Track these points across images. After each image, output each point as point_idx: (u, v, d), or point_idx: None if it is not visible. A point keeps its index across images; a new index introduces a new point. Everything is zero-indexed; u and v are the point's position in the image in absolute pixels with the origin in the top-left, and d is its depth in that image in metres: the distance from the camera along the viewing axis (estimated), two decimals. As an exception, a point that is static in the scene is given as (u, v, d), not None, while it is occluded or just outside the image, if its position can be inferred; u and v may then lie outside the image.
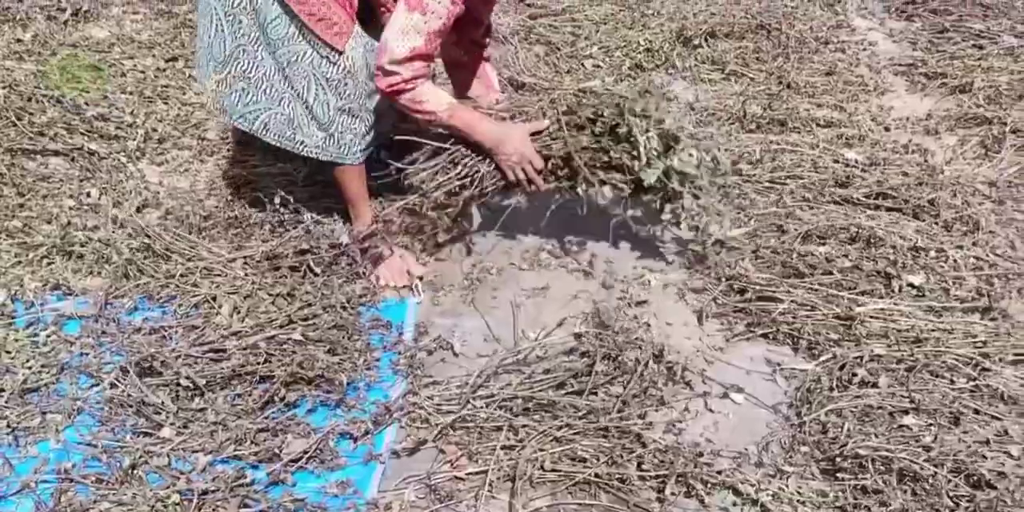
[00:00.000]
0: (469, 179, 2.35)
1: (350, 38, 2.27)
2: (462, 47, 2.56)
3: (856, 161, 2.90)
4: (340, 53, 2.26)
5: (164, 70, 3.52)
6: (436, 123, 2.26)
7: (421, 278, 2.49)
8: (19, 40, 3.69)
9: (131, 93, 3.31)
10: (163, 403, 2.00)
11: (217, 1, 2.25)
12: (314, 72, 2.27)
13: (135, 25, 3.93)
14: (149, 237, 2.45)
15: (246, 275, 2.35)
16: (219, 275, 2.36)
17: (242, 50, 2.29)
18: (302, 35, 2.23)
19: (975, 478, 1.80)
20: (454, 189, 2.37)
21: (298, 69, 2.27)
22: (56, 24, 3.85)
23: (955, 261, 2.43)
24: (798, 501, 1.80)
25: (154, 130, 3.09)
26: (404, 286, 2.45)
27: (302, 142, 2.37)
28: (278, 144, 2.38)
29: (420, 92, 2.19)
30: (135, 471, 1.86)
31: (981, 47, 3.74)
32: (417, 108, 2.21)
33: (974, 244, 2.53)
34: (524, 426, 1.96)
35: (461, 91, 2.65)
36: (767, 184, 2.79)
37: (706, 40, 3.72)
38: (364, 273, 2.43)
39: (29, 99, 3.13)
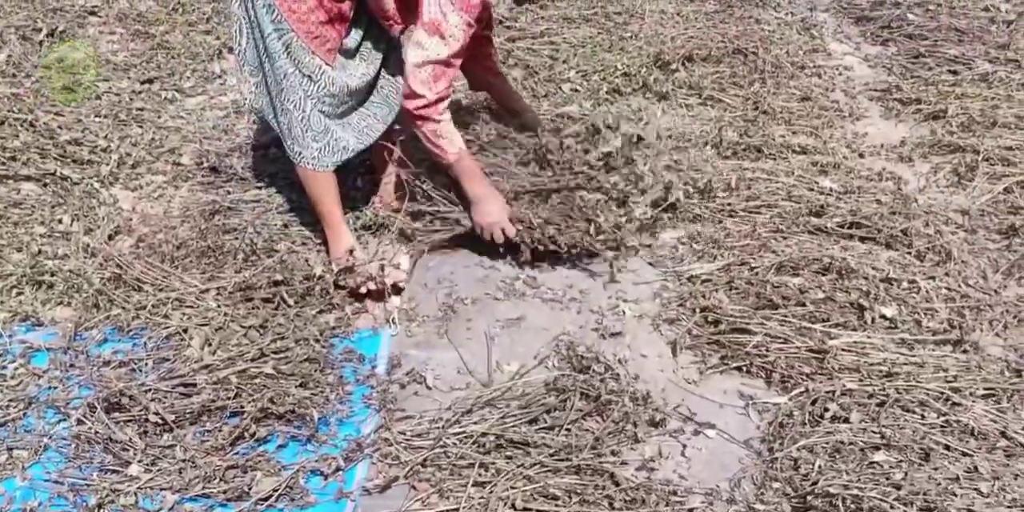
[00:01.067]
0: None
1: (336, 56, 2.37)
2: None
3: (830, 189, 2.92)
4: (322, 71, 2.34)
5: (140, 92, 3.50)
6: (441, 161, 2.44)
7: (399, 291, 2.49)
8: (-7, 62, 3.65)
9: (105, 116, 3.28)
10: (131, 439, 1.97)
11: (240, 11, 2.34)
12: (300, 89, 2.35)
13: (110, 45, 3.90)
14: (120, 266, 2.43)
15: (218, 306, 2.33)
16: (191, 306, 2.34)
17: (253, 54, 2.41)
18: (288, 53, 2.30)
19: (945, 517, 1.81)
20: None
21: (286, 84, 2.34)
22: (31, 45, 3.82)
23: (927, 292, 2.44)
24: (769, 540, 1.80)
25: (128, 154, 3.07)
26: (377, 320, 2.44)
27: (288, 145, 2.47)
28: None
29: (443, 128, 2.37)
30: (101, 510, 1.84)
31: (956, 72, 3.78)
32: (434, 141, 2.39)
33: (946, 274, 2.54)
34: (496, 463, 1.95)
35: (471, 77, 2.88)
36: (742, 213, 2.80)
37: (683, 64, 3.74)
38: (338, 305, 2.42)
39: (1, 123, 3.10)
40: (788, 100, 3.53)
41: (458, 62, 2.34)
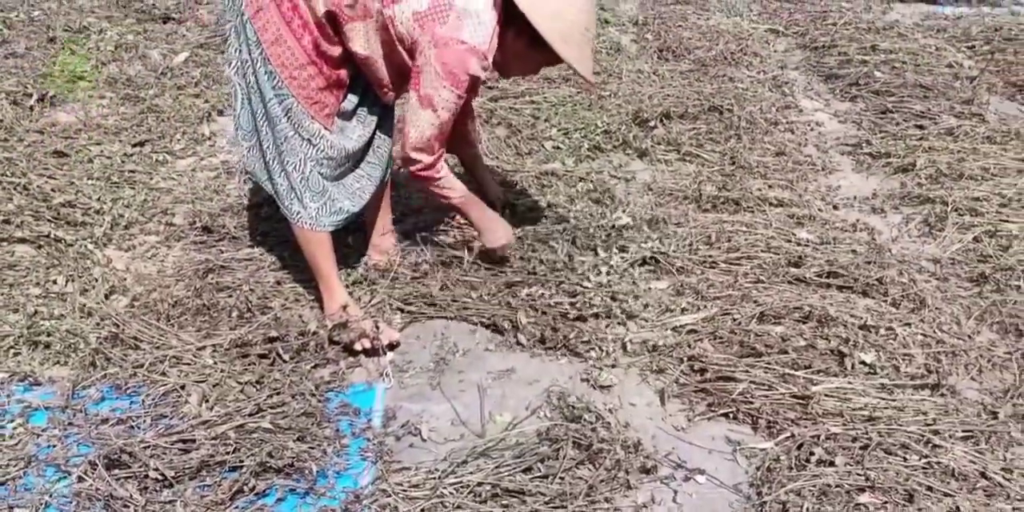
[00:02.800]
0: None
1: (334, 120, 2.47)
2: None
3: (807, 240, 3.01)
4: (321, 135, 2.43)
5: (131, 155, 3.58)
6: (449, 203, 2.66)
7: (393, 348, 2.54)
8: (-17, 127, 3.73)
9: (98, 179, 3.35)
10: (131, 496, 2.00)
11: (238, 78, 2.44)
12: (300, 152, 2.43)
13: (101, 109, 3.99)
14: (117, 325, 2.48)
15: (215, 363, 2.37)
16: (188, 363, 2.38)
17: (251, 118, 2.50)
18: (288, 117, 2.39)
19: (931, 557, 1.86)
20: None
21: (287, 147, 2.42)
22: (22, 109, 3.90)
23: (903, 338, 2.52)
24: (762, 584, 1.84)
25: (121, 216, 3.13)
26: (370, 349, 2.50)
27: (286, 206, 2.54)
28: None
29: (443, 182, 2.58)
30: (103, 567, 1.86)
31: (922, 127, 3.93)
32: (438, 192, 2.61)
33: (921, 321, 2.62)
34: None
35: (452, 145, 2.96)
36: (723, 264, 2.89)
37: (661, 121, 3.87)
38: (333, 359, 2.47)
39: (-5, 186, 3.16)
40: (763, 155, 3.66)
41: (448, 129, 2.47)
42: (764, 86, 4.36)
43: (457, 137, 2.89)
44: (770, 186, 3.41)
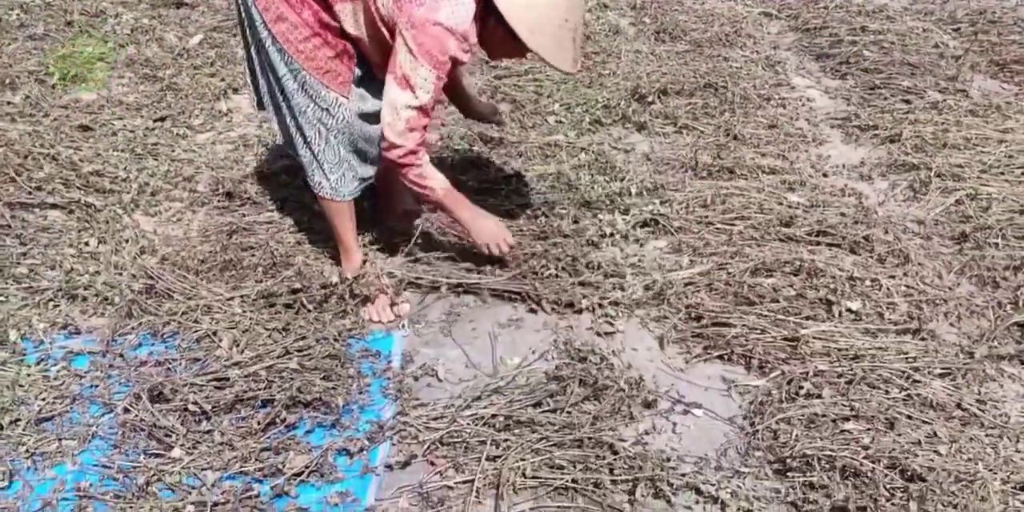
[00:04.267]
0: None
1: (351, 88, 2.53)
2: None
3: (798, 203, 3.18)
4: (339, 104, 2.51)
5: (153, 129, 3.74)
6: (431, 198, 2.58)
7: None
8: (10, 102, 3.88)
9: (122, 150, 3.51)
10: (173, 426, 2.17)
11: (253, 55, 2.56)
12: (318, 123, 2.53)
13: (121, 88, 4.15)
14: (152, 277, 2.64)
15: (244, 312, 2.54)
16: (218, 312, 2.54)
17: (269, 96, 2.63)
18: (304, 90, 2.48)
19: (908, 473, 2.03)
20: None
21: (304, 120, 2.52)
22: (45, 87, 4.06)
23: (888, 289, 2.69)
24: (754, 497, 2.02)
25: (146, 184, 3.29)
26: (390, 322, 2.65)
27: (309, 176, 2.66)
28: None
29: (425, 171, 2.50)
30: (149, 487, 2.02)
31: (908, 102, 4.09)
32: (420, 183, 2.51)
33: (905, 274, 2.79)
34: (506, 440, 2.16)
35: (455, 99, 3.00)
36: (719, 224, 3.06)
37: (659, 97, 4.03)
38: (352, 310, 2.63)
39: (26, 156, 3.32)
40: (756, 128, 3.82)
41: (431, 111, 2.43)
42: (757, 65, 4.52)
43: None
44: (763, 155, 3.58)
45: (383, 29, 2.38)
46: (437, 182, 2.54)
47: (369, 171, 2.69)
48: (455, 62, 2.35)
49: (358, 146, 2.63)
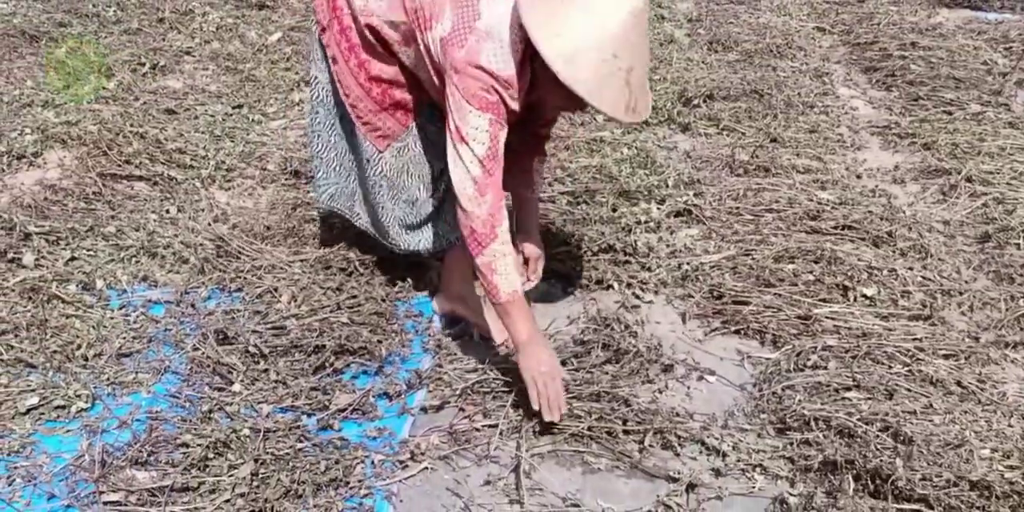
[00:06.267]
0: None
1: (394, 141, 2.49)
2: (519, 135, 2.36)
3: (827, 200, 3.35)
4: (380, 158, 2.52)
5: (231, 115, 4.06)
6: (490, 297, 2.25)
7: None
8: (105, 88, 4.24)
9: (203, 132, 3.83)
10: (234, 364, 2.42)
11: (309, 93, 2.63)
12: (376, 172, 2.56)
13: (204, 78, 4.50)
14: (223, 241, 2.92)
15: (302, 272, 2.80)
16: (280, 272, 2.81)
17: (316, 135, 2.69)
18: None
19: (901, 437, 2.18)
20: None
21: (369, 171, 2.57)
22: (137, 75, 4.42)
23: (905, 279, 2.85)
24: (753, 451, 2.19)
25: (223, 162, 3.59)
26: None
27: (358, 215, 2.74)
28: (338, 211, 2.77)
29: (501, 263, 2.18)
30: (212, 415, 2.28)
31: (950, 113, 4.22)
32: (487, 274, 2.19)
33: (924, 267, 2.94)
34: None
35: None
36: (748, 216, 3.24)
37: (705, 101, 4.23)
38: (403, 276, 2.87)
39: (118, 134, 3.65)
40: (797, 132, 3.99)
41: (496, 168, 2.14)
42: (805, 75, 4.69)
43: (516, 172, 2.46)
44: (799, 156, 3.75)
45: (434, 77, 2.26)
46: (506, 283, 2.19)
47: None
48: (511, 112, 2.13)
49: (413, 196, 2.56)
